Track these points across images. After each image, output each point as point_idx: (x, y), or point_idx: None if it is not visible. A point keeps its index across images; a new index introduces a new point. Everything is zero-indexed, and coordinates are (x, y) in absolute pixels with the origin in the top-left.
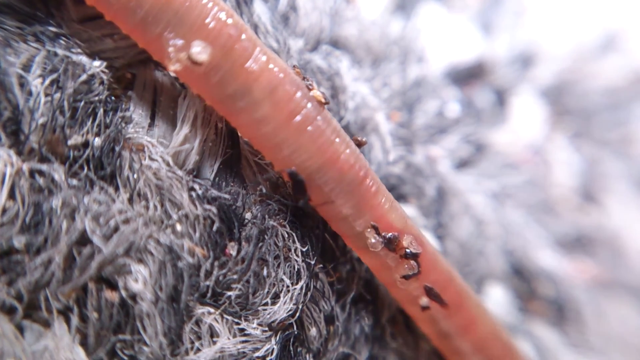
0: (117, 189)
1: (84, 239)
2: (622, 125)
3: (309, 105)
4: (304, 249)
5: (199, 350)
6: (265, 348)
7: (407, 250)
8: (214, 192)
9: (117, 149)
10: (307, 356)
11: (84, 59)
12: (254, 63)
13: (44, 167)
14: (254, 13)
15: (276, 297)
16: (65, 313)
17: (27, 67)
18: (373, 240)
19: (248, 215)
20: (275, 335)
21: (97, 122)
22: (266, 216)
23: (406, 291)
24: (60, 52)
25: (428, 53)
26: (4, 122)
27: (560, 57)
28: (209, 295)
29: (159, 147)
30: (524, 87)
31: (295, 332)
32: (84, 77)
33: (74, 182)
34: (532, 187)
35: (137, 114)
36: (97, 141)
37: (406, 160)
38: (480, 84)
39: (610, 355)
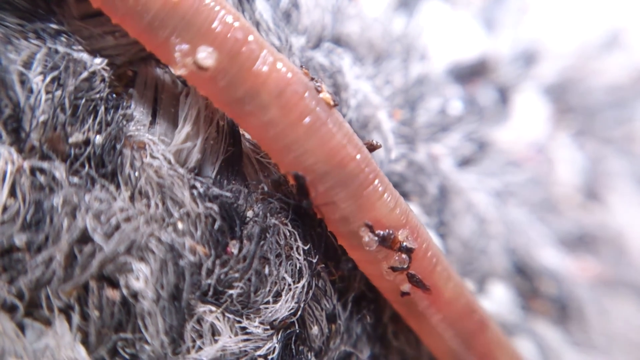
0: (118, 187)
1: (85, 237)
2: (626, 122)
3: (318, 107)
4: (305, 247)
5: (200, 348)
6: (267, 346)
7: (403, 244)
8: (216, 190)
9: (118, 146)
10: (309, 355)
11: (85, 56)
12: (262, 65)
13: (45, 164)
14: (256, 10)
15: (278, 295)
16: (66, 311)
17: (28, 65)
18: (367, 239)
19: (250, 214)
20: (277, 334)
21: (98, 119)
22: (268, 214)
23: (391, 281)
24: (61, 49)
25: (430, 50)
26: (4, 120)
27: (563, 55)
28: (210, 293)
29: (161, 145)
30: (527, 85)
31: (297, 331)
32: (85, 74)
33: (75, 180)
34: (535, 185)
35: (139, 111)
36: (98, 139)
37: (408, 158)
38: (482, 82)
39: (613, 353)
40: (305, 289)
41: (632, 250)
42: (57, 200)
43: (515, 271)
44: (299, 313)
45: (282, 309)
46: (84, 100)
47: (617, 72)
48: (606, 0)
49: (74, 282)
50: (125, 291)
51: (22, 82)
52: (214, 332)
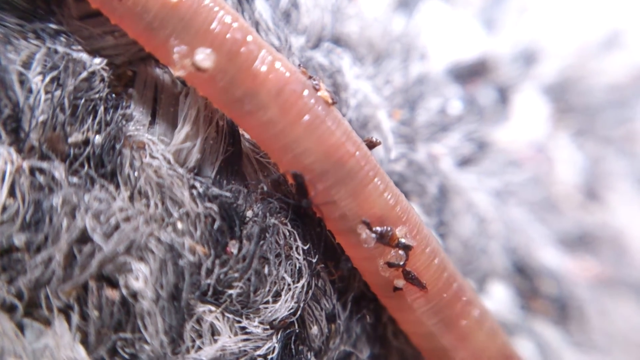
0: (117, 186)
1: (84, 237)
2: (626, 122)
3: (317, 105)
4: (305, 247)
5: (200, 348)
6: (266, 346)
7: (401, 240)
8: (215, 190)
9: (117, 146)
10: (309, 354)
11: (84, 56)
12: (260, 65)
13: (44, 164)
14: (255, 10)
15: (277, 295)
16: (65, 311)
17: (27, 65)
18: (364, 236)
19: (249, 213)
20: (277, 334)
21: (97, 119)
22: (267, 214)
23: (385, 277)
24: (60, 49)
25: (430, 50)
26: (4, 120)
27: (563, 54)
28: (210, 293)
29: (160, 145)
30: (526, 85)
31: (297, 331)
32: (84, 74)
33: (75, 180)
34: (535, 185)
35: (138, 111)
36: (98, 139)
37: (408, 158)
38: (482, 82)
39: (613, 353)
40: (304, 289)
41: (632, 250)
42: (57, 200)
43: (515, 271)
44: (299, 313)
45: (281, 308)
46: (83, 100)
47: (617, 71)
48: (606, 0)
49: (73, 282)
50: (124, 291)
51: (22, 82)
52: (214, 332)
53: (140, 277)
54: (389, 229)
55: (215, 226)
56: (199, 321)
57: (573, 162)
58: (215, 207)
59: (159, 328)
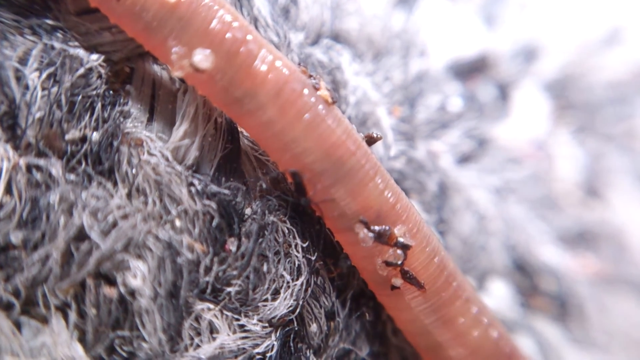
0: (115, 184)
1: (81, 235)
2: (627, 119)
3: (316, 104)
4: (304, 245)
5: (198, 346)
6: (265, 344)
7: (399, 239)
8: (214, 188)
9: (115, 143)
10: (308, 352)
11: (81, 52)
12: (260, 64)
13: (41, 162)
14: (254, 6)
15: (276, 293)
16: (63, 309)
17: (23, 61)
18: (362, 235)
19: (248, 211)
20: (276, 331)
21: (95, 116)
22: (266, 212)
23: (383, 275)
24: (57, 45)
25: (430, 47)
26: (0, 116)
27: (563, 51)
28: (208, 291)
29: (158, 142)
30: (527, 81)
31: (296, 328)
32: (81, 70)
33: (72, 177)
34: (535, 182)
35: (136, 108)
36: (95, 136)
37: (408, 155)
38: (482, 78)
39: (613, 351)
40: (303, 287)
41: (633, 247)
42: (54, 197)
43: (515, 268)
44: (298, 310)
45: (280, 306)
46: (80, 97)
47: (618, 68)
48: None
49: (70, 279)
50: (122, 289)
51: (18, 79)
52: (212, 330)
53: (138, 275)
54: (387, 228)
55: (214, 224)
56: (197, 319)
57: (573, 159)
58: (213, 205)
59: (157, 326)
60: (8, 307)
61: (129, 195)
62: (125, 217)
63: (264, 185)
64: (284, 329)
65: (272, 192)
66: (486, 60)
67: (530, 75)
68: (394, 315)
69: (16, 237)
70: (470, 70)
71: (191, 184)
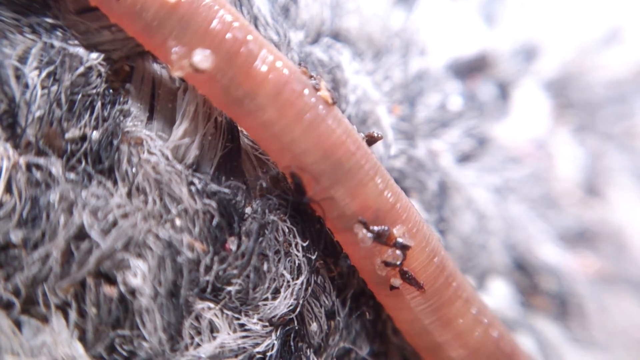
0: (115, 183)
1: (82, 234)
2: (627, 118)
3: (316, 105)
4: (304, 244)
5: (198, 345)
6: (265, 343)
7: (398, 240)
8: (214, 187)
9: (115, 142)
10: (308, 351)
11: (81, 51)
12: (261, 65)
13: (41, 160)
14: (254, 5)
15: (277, 292)
16: (63, 308)
17: (23, 59)
18: (361, 235)
19: (248, 210)
20: (276, 331)
21: (94, 115)
22: (266, 211)
23: (382, 275)
24: (57, 44)
25: (430, 45)
26: (0, 115)
27: (563, 50)
28: (208, 290)
29: (158, 141)
30: (527, 80)
31: (296, 327)
32: (81, 69)
33: (72, 176)
34: (535, 181)
35: (136, 107)
36: (95, 134)
37: (408, 154)
38: (482, 77)
39: (613, 350)
40: (304, 286)
41: (633, 247)
42: (54, 196)
43: (515, 267)
44: (298, 310)
45: (280, 305)
46: (80, 96)
47: (618, 67)
48: None
49: (71, 278)
50: (122, 288)
51: (18, 77)
52: (213, 329)
53: (138, 274)
54: (386, 228)
55: (214, 223)
56: (197, 318)
57: (573, 158)
58: (213, 204)
59: (157, 325)
60: (8, 306)
61: (129, 194)
62: (125, 216)
63: (264, 184)
64: (284, 328)
65: (272, 191)
66: (486, 59)
67: (530, 74)
68: (394, 315)
69: (16, 236)
70: (470, 69)
71: (191, 183)
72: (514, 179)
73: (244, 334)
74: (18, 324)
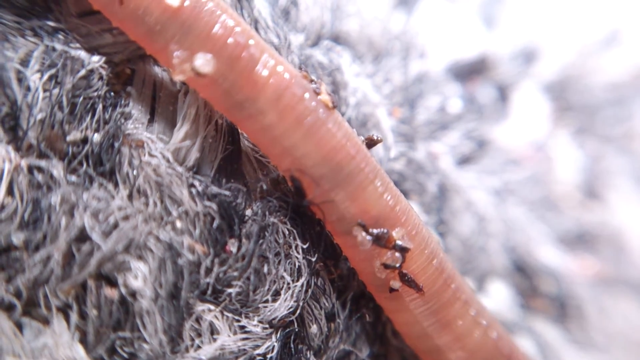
0: (116, 185)
1: (83, 236)
2: (626, 120)
3: (317, 109)
4: (304, 246)
5: (199, 347)
6: (265, 345)
7: (397, 242)
8: (214, 189)
9: (116, 145)
10: (308, 353)
11: (82, 54)
12: (262, 69)
13: (42, 163)
14: (255, 8)
15: (277, 294)
16: (64, 310)
17: (25, 62)
18: (360, 238)
19: (248, 212)
20: (276, 333)
21: (96, 117)
22: (267, 213)
23: (382, 277)
24: (58, 47)
25: (430, 48)
26: (2, 118)
27: (562, 53)
28: (209, 292)
29: (159, 143)
30: (526, 83)
31: (296, 330)
32: (82, 72)
33: (73, 178)
34: (535, 184)
35: (137, 109)
36: (96, 137)
37: (408, 157)
38: (482, 80)
39: (612, 352)
40: (304, 288)
41: (632, 249)
42: (55, 198)
43: (514, 269)
44: (298, 312)
45: (281, 307)
46: (81, 98)
47: (616, 70)
48: None
49: (72, 280)
50: (123, 290)
51: (20, 80)
52: (213, 331)
53: (139, 276)
54: (385, 231)
55: (215, 225)
56: (198, 320)
57: (573, 160)
58: (214, 206)
59: (158, 327)
60: (10, 308)
61: (130, 197)
62: (126, 218)
63: (265, 187)
64: (284, 330)
65: (272, 194)
66: (486, 61)
67: (530, 77)
68: (393, 317)
69: (18, 238)
70: (469, 72)
71: (192, 185)
72: (513, 182)
73: (244, 336)
74: (19, 326)
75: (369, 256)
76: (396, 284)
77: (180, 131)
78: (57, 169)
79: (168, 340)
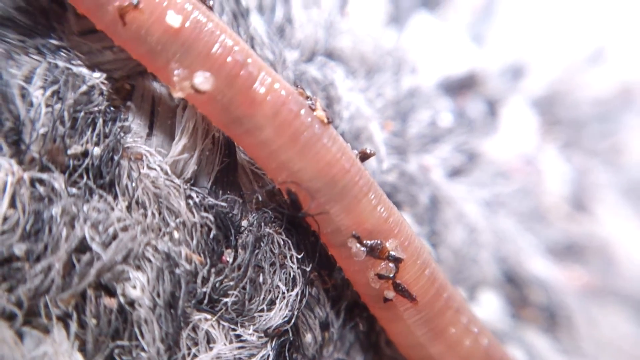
0: (115, 197)
1: (83, 247)
2: (611, 135)
3: (313, 124)
4: (299, 256)
5: (195, 356)
6: (261, 354)
7: (391, 253)
8: (211, 200)
9: (116, 158)
10: None
11: (84, 70)
12: (260, 86)
13: (44, 176)
14: (250, 25)
15: (272, 303)
16: (64, 319)
17: (28, 79)
18: (355, 249)
19: (244, 223)
20: (271, 342)
21: (96, 132)
22: (262, 224)
23: (376, 288)
24: (61, 64)
25: (421, 64)
26: (5, 133)
27: (550, 69)
28: (205, 301)
29: (157, 156)
30: (514, 98)
31: (291, 338)
32: (84, 88)
33: (74, 190)
34: (524, 196)
35: (136, 123)
36: (97, 150)
37: (400, 169)
38: (472, 95)
39: None
40: (299, 297)
41: (619, 260)
42: (56, 210)
43: (505, 280)
44: (293, 321)
45: (276, 316)
46: (82, 113)
47: (602, 85)
48: (591, 16)
49: (72, 290)
50: (122, 299)
51: (23, 96)
52: (209, 340)
53: (137, 286)
54: (379, 242)
55: (211, 235)
56: (194, 329)
57: (561, 173)
58: (211, 217)
59: (155, 336)
60: (11, 318)
61: (129, 208)
62: (125, 229)
63: (260, 198)
64: (279, 339)
65: (268, 205)
66: (475, 77)
67: (518, 92)
68: (387, 327)
69: (19, 249)
70: (460, 87)
71: (189, 197)
72: (503, 194)
73: (239, 344)
74: (20, 335)
75: (363, 267)
76: (390, 294)
77: (178, 144)
78: (58, 181)
79: (165, 349)
